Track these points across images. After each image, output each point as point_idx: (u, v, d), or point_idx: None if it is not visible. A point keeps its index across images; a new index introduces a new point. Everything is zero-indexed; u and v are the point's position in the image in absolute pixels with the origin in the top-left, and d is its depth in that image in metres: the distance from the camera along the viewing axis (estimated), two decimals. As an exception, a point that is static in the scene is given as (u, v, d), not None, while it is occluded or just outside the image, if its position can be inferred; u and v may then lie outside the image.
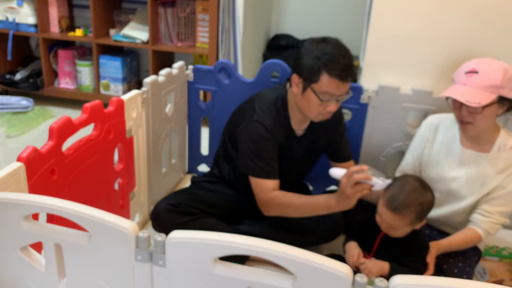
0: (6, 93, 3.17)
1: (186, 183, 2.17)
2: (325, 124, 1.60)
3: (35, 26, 2.95)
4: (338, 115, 1.67)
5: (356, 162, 1.90)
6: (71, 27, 3.14)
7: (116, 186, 1.64)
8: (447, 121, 1.55)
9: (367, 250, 1.46)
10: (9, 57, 3.05)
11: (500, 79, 1.31)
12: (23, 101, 2.95)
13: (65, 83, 3.14)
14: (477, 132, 1.42)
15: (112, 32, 2.98)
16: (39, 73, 3.17)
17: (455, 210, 1.52)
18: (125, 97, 1.58)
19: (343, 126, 1.71)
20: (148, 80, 1.72)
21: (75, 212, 0.93)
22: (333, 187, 2.03)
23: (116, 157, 1.60)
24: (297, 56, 1.45)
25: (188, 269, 0.92)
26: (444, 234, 1.55)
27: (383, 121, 1.88)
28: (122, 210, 1.69)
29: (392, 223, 1.34)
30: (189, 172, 2.29)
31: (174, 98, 1.97)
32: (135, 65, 3.22)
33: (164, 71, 1.84)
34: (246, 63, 2.83)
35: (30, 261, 1.05)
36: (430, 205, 1.36)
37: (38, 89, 3.08)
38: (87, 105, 1.38)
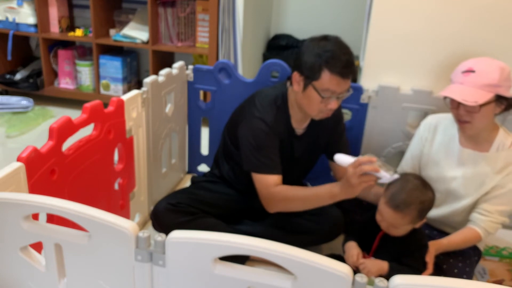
0: (6, 93, 3.17)
1: (186, 183, 2.17)
2: (325, 124, 1.60)
3: (35, 26, 2.95)
4: (338, 114, 1.67)
5: (356, 162, 1.90)
6: (71, 27, 3.14)
7: (116, 186, 1.64)
8: (446, 121, 1.55)
9: (367, 250, 1.46)
10: (9, 57, 3.05)
11: (497, 78, 1.32)
12: (23, 101, 2.95)
13: (65, 83, 3.14)
14: (475, 131, 1.42)
15: (112, 32, 2.98)
16: (39, 73, 3.17)
17: (454, 209, 1.52)
18: (125, 97, 1.58)
19: (342, 126, 1.71)
20: (148, 80, 1.72)
21: (75, 212, 0.93)
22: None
23: (116, 157, 1.60)
24: (298, 54, 1.45)
25: (188, 269, 0.92)
26: (444, 234, 1.55)
27: (383, 121, 1.88)
28: (122, 210, 1.69)
29: (393, 221, 1.35)
30: (189, 172, 2.29)
31: (174, 98, 1.97)
32: (135, 65, 3.22)
33: (164, 71, 1.84)
34: (246, 63, 2.83)
35: (30, 261, 1.05)
36: (430, 203, 1.37)
37: (38, 89, 3.08)
38: (87, 105, 1.38)
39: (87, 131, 1.43)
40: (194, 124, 2.16)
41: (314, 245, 1.71)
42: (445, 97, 1.40)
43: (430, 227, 1.62)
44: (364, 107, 1.88)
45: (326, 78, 1.39)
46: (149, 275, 0.95)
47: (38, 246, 1.06)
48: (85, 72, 3.07)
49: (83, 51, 3.18)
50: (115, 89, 3.03)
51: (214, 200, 1.71)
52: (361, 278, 0.83)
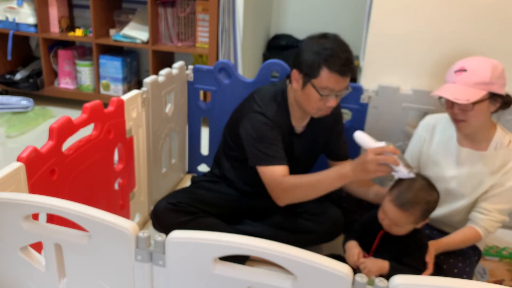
0: (6, 93, 3.17)
1: (186, 183, 2.17)
2: (324, 123, 1.61)
3: (35, 26, 2.95)
4: (337, 114, 1.67)
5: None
6: (71, 27, 3.14)
7: (116, 186, 1.64)
8: (444, 120, 1.56)
9: (367, 249, 1.46)
10: (9, 57, 3.05)
11: (489, 76, 1.33)
12: (23, 101, 2.95)
13: (65, 83, 3.14)
14: (471, 130, 1.42)
15: (112, 32, 2.98)
16: (39, 73, 3.17)
17: (454, 209, 1.53)
18: (125, 97, 1.58)
19: (341, 126, 1.72)
20: (148, 80, 1.72)
21: (75, 212, 0.93)
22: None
23: (116, 157, 1.60)
24: (297, 52, 1.45)
25: (188, 269, 0.92)
26: (444, 234, 1.55)
27: (383, 121, 1.88)
28: (122, 210, 1.69)
29: (397, 220, 1.35)
30: (189, 172, 2.29)
31: (174, 98, 1.97)
32: (135, 65, 3.22)
33: (164, 71, 1.84)
34: (246, 63, 2.83)
35: (30, 261, 1.05)
36: (435, 204, 1.37)
37: (38, 89, 3.08)
38: (87, 105, 1.38)
39: (87, 131, 1.43)
40: (194, 124, 2.16)
41: (314, 245, 1.71)
42: (440, 97, 1.41)
43: (430, 227, 1.62)
44: (364, 107, 1.88)
45: (325, 76, 1.39)
46: (149, 275, 0.95)
47: (38, 246, 1.06)
48: (85, 72, 3.07)
49: (83, 51, 3.18)
50: (115, 89, 3.03)
51: (214, 200, 1.71)
52: (361, 278, 0.83)
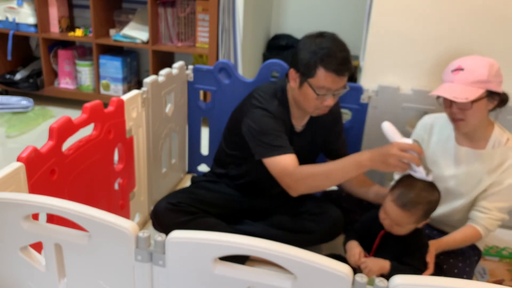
0: (6, 93, 3.17)
1: (186, 183, 2.17)
2: (323, 122, 1.61)
3: (35, 26, 2.95)
4: (336, 113, 1.67)
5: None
6: (71, 27, 3.14)
7: (116, 186, 1.64)
8: (442, 120, 1.56)
9: (367, 249, 1.46)
10: (9, 57, 3.05)
11: (486, 74, 1.33)
12: (23, 101, 2.95)
13: (65, 83, 3.14)
14: (469, 129, 1.42)
15: (112, 32, 2.98)
16: (39, 73, 3.17)
17: (453, 208, 1.53)
18: (125, 97, 1.58)
19: (341, 126, 1.72)
20: (148, 80, 1.72)
21: (75, 212, 0.93)
22: (333, 187, 2.03)
23: (116, 157, 1.60)
24: (295, 51, 1.45)
25: (188, 269, 0.92)
26: (444, 234, 1.55)
27: (383, 121, 1.87)
28: (122, 210, 1.69)
29: (398, 220, 1.35)
30: (189, 172, 2.29)
31: (174, 98, 1.97)
32: (135, 65, 3.22)
33: (164, 71, 1.84)
34: (246, 63, 2.83)
35: (30, 261, 1.05)
36: (436, 204, 1.37)
37: (38, 89, 3.08)
38: (87, 105, 1.38)
39: (87, 131, 1.43)
40: (194, 124, 2.16)
41: (314, 245, 1.71)
42: (438, 97, 1.41)
43: (430, 227, 1.62)
44: (364, 107, 1.88)
45: (321, 76, 1.38)
46: (149, 275, 0.95)
47: (38, 246, 1.06)
48: (85, 72, 3.07)
49: (83, 51, 3.18)
50: (115, 89, 3.03)
51: (215, 200, 1.70)
52: (361, 278, 0.83)
